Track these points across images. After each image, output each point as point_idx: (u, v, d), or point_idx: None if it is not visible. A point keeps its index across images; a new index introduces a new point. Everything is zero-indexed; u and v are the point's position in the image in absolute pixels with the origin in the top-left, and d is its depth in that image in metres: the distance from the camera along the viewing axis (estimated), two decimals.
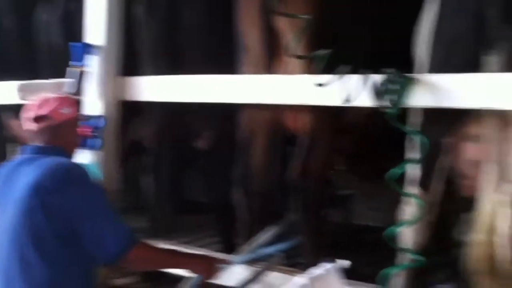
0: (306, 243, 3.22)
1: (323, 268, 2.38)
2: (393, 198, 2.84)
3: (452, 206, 2.70)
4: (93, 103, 3.49)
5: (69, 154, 2.53)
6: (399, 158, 2.73)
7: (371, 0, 3.17)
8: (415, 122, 2.73)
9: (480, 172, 2.58)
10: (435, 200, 2.77)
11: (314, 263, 2.51)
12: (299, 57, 2.86)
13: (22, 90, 3.65)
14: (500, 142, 2.52)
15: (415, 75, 2.60)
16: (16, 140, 4.31)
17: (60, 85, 3.53)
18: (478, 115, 2.55)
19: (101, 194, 2.43)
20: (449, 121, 2.66)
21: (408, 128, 2.65)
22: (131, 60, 3.70)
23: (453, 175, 2.72)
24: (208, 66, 3.41)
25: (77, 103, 2.73)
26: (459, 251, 2.66)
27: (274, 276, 2.81)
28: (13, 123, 4.35)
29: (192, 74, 3.34)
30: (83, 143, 3.12)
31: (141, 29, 3.77)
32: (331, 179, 4.19)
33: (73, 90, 3.45)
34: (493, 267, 2.55)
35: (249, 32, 3.24)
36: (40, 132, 2.45)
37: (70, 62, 3.52)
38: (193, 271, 2.55)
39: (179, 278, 2.68)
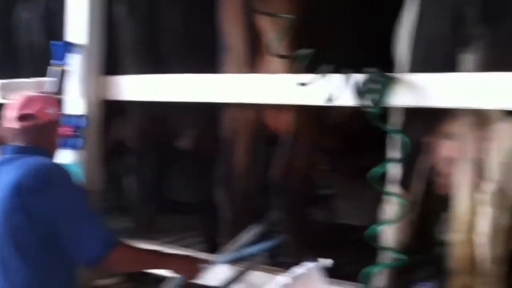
0: (288, 242, 3.22)
1: (305, 267, 2.39)
2: (375, 197, 2.86)
3: (433, 205, 2.72)
4: (75, 103, 3.47)
5: (50, 154, 2.51)
6: (382, 157, 2.75)
7: None
8: (396, 121, 2.75)
9: (454, 170, 2.62)
10: (416, 199, 2.80)
11: (297, 262, 2.51)
12: (281, 56, 2.87)
13: (3, 89, 3.62)
14: (477, 140, 2.55)
15: (396, 75, 2.62)
16: None
17: (42, 84, 3.51)
18: (456, 114, 2.58)
19: (83, 195, 2.41)
20: (429, 120, 2.69)
21: (389, 127, 2.66)
22: (113, 59, 3.68)
23: (432, 174, 2.75)
24: (191, 65, 3.40)
25: (59, 103, 2.71)
26: (440, 250, 2.69)
27: (256, 276, 2.82)
28: None
29: (174, 74, 3.33)
30: (65, 143, 3.10)
31: (122, 28, 3.75)
32: (314, 178, 4.20)
33: (55, 89, 3.42)
34: (473, 266, 2.58)
35: (232, 31, 3.24)
36: (23, 131, 2.43)
37: (52, 61, 3.49)
38: (176, 271, 2.54)
39: (162, 279, 2.67)
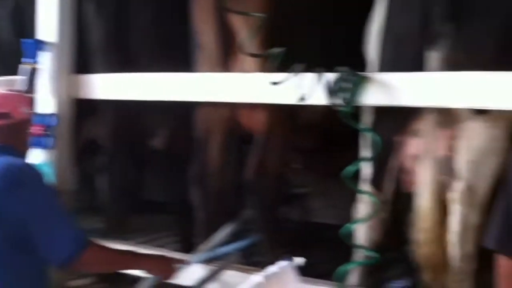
0: (263, 241, 3.23)
1: (278, 266, 2.39)
2: (349, 195, 2.87)
3: (404, 203, 2.74)
4: (46, 101, 3.43)
5: (21, 154, 2.48)
6: (356, 156, 2.77)
7: None
8: (368, 120, 2.77)
9: (417, 167, 2.64)
10: (388, 198, 2.82)
11: (271, 261, 2.51)
12: (253, 55, 2.87)
13: None
14: (444, 139, 2.58)
15: (367, 74, 2.63)
16: None
17: (12, 82, 3.47)
18: (427, 112, 2.60)
19: (54, 195, 2.39)
20: (400, 119, 2.71)
21: (361, 126, 2.68)
22: (85, 57, 3.65)
23: (401, 171, 2.77)
24: (162, 64, 3.38)
25: (31, 102, 2.68)
26: (412, 248, 2.71)
27: (231, 275, 2.81)
28: None
29: (146, 72, 3.31)
30: (36, 142, 3.07)
31: (93, 26, 3.72)
32: (288, 177, 4.21)
33: (25, 88, 3.38)
34: (441, 264, 2.60)
35: (204, 30, 3.23)
36: None
37: (22, 59, 3.45)
38: (150, 271, 2.52)
39: (137, 279, 2.65)
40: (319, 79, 2.62)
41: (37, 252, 2.27)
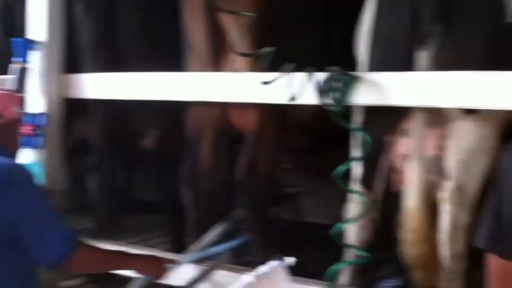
0: (254, 241, 3.23)
1: (269, 266, 2.39)
2: (340, 195, 2.88)
3: (395, 203, 2.75)
4: (36, 101, 3.41)
5: (11, 154, 2.47)
6: (347, 155, 2.77)
7: None
8: (358, 119, 2.77)
9: (407, 167, 2.65)
10: (378, 197, 2.82)
11: (262, 261, 2.51)
12: (243, 54, 2.87)
13: None
14: (434, 138, 2.59)
15: (358, 73, 2.63)
16: None
17: (2, 82, 3.45)
18: (417, 112, 2.61)
19: (44, 196, 2.39)
20: (391, 119, 2.71)
21: (351, 125, 2.68)
22: (75, 57, 3.63)
23: (391, 171, 2.78)
24: (153, 63, 3.37)
25: (22, 101, 2.67)
26: (400, 248, 2.72)
27: (222, 275, 2.81)
28: None
29: (137, 72, 3.30)
30: (25, 142, 3.05)
31: (82, 25, 3.70)
32: (279, 177, 4.21)
33: (15, 87, 3.36)
34: (430, 263, 2.61)
35: (194, 29, 3.22)
36: None
37: (12, 58, 3.43)
38: (141, 271, 2.52)
39: (128, 279, 2.65)
40: (310, 78, 2.62)
41: (28, 252, 2.27)
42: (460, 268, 2.60)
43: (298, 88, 2.64)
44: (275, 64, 2.64)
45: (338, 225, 2.66)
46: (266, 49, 2.66)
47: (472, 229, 2.42)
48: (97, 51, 3.70)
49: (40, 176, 3.18)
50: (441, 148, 2.57)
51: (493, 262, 1.77)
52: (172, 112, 3.46)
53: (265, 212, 3.43)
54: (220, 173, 3.45)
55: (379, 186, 2.82)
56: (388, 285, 2.89)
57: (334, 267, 2.62)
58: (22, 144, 2.68)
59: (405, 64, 2.54)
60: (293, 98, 2.66)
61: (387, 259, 2.82)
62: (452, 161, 2.55)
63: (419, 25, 2.51)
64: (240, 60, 2.98)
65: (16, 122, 2.47)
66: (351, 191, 2.78)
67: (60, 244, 2.28)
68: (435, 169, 2.58)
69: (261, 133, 3.24)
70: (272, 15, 2.96)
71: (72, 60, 3.59)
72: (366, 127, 2.68)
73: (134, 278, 2.57)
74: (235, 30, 2.94)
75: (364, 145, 2.62)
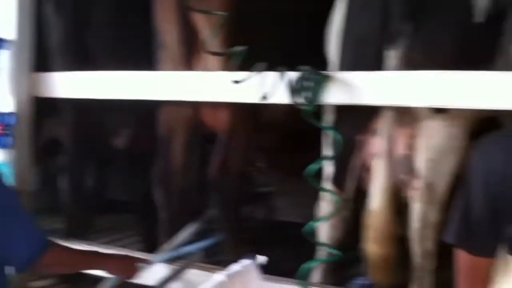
0: (226, 240, 3.23)
1: (241, 265, 2.39)
2: (312, 194, 2.89)
3: (366, 201, 2.77)
4: (5, 100, 3.36)
5: None
6: (319, 154, 2.78)
7: None
8: (330, 119, 2.79)
9: (374, 166, 2.68)
10: (350, 196, 2.85)
11: (235, 259, 2.52)
12: (215, 53, 2.86)
13: None
14: (403, 137, 2.62)
15: (329, 73, 2.65)
16: None
17: None
18: (388, 111, 2.64)
19: (13, 196, 2.34)
20: (362, 118, 2.74)
21: (323, 124, 2.70)
22: (44, 56, 3.59)
23: (361, 170, 2.80)
24: (124, 63, 3.35)
25: None
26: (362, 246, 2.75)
27: (194, 274, 2.80)
28: None
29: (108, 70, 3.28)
30: None
31: (52, 23, 3.66)
32: (251, 176, 4.22)
33: None
34: (390, 262, 2.64)
35: (166, 28, 3.20)
36: None
37: None
38: (112, 271, 2.50)
39: (99, 279, 2.62)
40: (281, 78, 2.62)
41: None
42: (430, 266, 2.63)
43: (269, 87, 2.64)
44: (247, 63, 2.65)
45: (310, 223, 2.67)
46: (238, 48, 2.66)
47: (441, 227, 2.45)
48: (67, 49, 3.66)
49: (9, 176, 3.14)
50: (410, 147, 2.60)
51: (462, 258, 1.80)
52: (144, 111, 3.44)
53: (238, 212, 3.43)
54: (192, 172, 3.44)
55: (350, 185, 2.84)
56: (360, 282, 2.91)
57: (306, 265, 2.63)
58: None
59: (375, 63, 2.56)
60: (264, 97, 2.67)
61: (359, 257, 2.84)
62: (421, 160, 2.58)
63: (388, 25, 2.54)
64: (212, 59, 2.98)
65: None
66: (323, 190, 2.79)
67: (30, 245, 2.24)
68: (404, 168, 2.61)
69: (233, 132, 3.24)
70: (243, 14, 2.96)
71: (42, 58, 3.55)
72: (337, 126, 2.70)
73: (106, 278, 2.55)
74: (207, 29, 2.94)
75: (336, 144, 2.63)
